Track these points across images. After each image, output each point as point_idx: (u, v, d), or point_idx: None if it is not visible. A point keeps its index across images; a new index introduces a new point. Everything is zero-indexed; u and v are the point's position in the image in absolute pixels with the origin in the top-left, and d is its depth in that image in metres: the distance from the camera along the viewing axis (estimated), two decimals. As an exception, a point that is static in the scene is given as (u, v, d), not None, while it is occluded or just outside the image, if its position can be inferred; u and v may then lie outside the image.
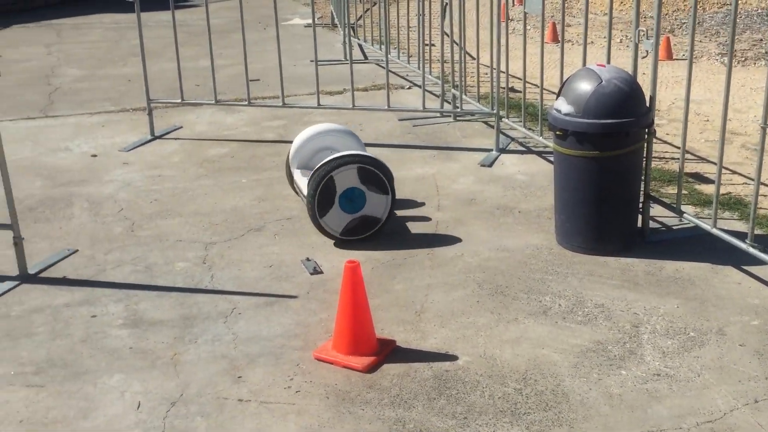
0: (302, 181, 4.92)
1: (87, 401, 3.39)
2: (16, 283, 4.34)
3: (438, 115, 7.07)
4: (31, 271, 4.45)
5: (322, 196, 4.61)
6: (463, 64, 6.74)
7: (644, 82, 4.94)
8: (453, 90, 6.95)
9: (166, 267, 4.54)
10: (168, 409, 3.33)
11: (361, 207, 4.67)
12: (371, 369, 3.57)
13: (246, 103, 6.81)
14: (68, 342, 3.81)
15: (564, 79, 4.83)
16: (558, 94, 4.56)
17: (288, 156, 5.22)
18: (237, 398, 3.40)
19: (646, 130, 4.53)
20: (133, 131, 6.86)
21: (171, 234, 4.95)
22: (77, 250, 4.74)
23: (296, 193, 5.25)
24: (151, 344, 3.79)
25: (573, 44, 9.77)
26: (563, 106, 4.43)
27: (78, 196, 5.53)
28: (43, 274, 4.46)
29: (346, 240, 4.72)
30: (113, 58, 9.68)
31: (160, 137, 6.71)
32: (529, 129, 6.07)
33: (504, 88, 6.30)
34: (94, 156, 6.30)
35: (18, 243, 4.36)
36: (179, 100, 6.77)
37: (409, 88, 8.01)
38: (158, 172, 5.96)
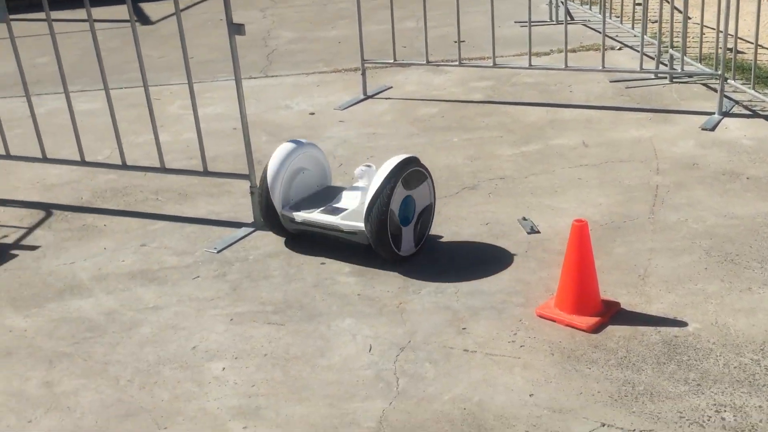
0: (326, 218, 4.24)
1: (323, 341, 3.61)
2: (252, 230, 4.67)
3: (653, 76, 6.80)
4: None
5: (391, 231, 4.06)
6: (685, 23, 6.42)
7: None
8: (671, 50, 6.65)
9: (386, 221, 4.71)
10: (397, 353, 3.49)
11: (413, 208, 4.22)
12: (596, 329, 3.55)
13: (456, 63, 6.86)
14: (302, 285, 4.06)
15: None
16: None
17: (265, 202, 4.37)
18: (462, 348, 3.50)
19: None
20: (346, 91, 7.10)
21: (388, 189, 5.12)
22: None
23: (289, 233, 4.46)
24: (377, 292, 3.97)
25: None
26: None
27: (300, 152, 5.83)
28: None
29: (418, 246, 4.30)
30: (322, 21, 10.03)
31: (371, 97, 6.91)
32: (760, 92, 5.71)
33: (730, 48, 5.95)
34: (312, 114, 6.60)
35: (254, 192, 4.67)
36: (391, 61, 6.93)
37: (619, 48, 7.75)
38: (372, 130, 6.15)
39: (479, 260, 4.20)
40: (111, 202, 5.14)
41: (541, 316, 3.67)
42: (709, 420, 2.96)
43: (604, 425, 2.98)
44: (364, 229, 4.08)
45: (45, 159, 5.11)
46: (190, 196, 5.18)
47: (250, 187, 4.68)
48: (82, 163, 5.06)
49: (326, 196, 4.49)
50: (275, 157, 4.38)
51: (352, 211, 4.27)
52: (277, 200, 4.32)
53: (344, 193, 4.46)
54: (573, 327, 3.57)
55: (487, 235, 4.47)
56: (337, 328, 3.69)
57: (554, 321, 3.63)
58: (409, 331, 3.64)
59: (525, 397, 3.16)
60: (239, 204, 5.01)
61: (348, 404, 3.20)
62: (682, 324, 3.53)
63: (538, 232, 4.46)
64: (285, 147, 4.42)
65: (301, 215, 4.30)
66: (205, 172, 4.82)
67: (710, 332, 3.46)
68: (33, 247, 4.58)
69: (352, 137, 6.04)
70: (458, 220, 4.65)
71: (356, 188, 4.44)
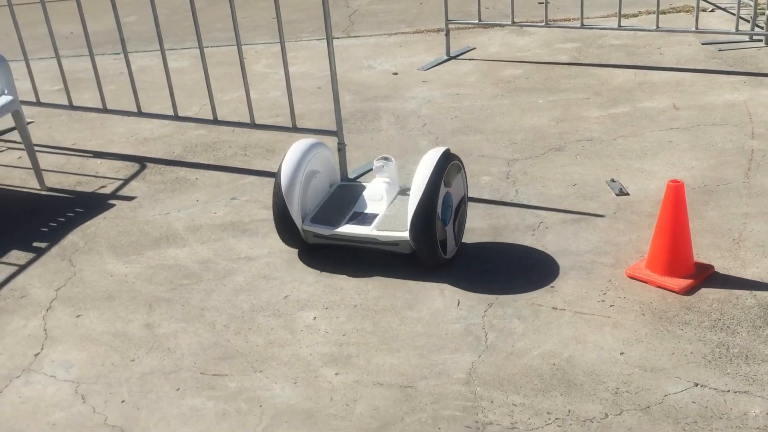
0: (359, 230, 3.81)
1: (411, 295, 3.66)
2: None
3: (747, 39, 6.58)
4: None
5: (438, 237, 3.71)
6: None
7: None
8: (768, 12, 6.42)
9: (472, 180, 4.70)
10: (485, 309, 3.51)
11: (451, 204, 3.85)
12: (688, 291, 3.51)
13: (542, 24, 6.76)
14: (389, 241, 4.11)
15: None
16: None
17: (280, 214, 3.86)
18: (551, 306, 3.50)
19: None
20: (429, 51, 7.08)
21: (474, 149, 5.11)
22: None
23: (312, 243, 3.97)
24: (463, 249, 3.99)
25: None
26: None
27: (384, 111, 5.86)
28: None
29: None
30: (403, -18, 9.98)
31: (454, 57, 6.87)
32: None
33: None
34: (395, 74, 6.60)
35: (341, 149, 4.73)
36: (476, 21, 6.87)
37: (712, 10, 7.51)
38: (456, 91, 6.13)
39: (566, 220, 4.18)
40: (201, 157, 5.27)
41: (631, 277, 3.64)
42: (807, 384, 2.91)
43: (697, 385, 2.96)
44: (406, 238, 3.69)
45: (140, 113, 5.26)
46: (278, 152, 5.26)
47: (338, 143, 4.74)
48: (176, 117, 5.19)
49: (344, 198, 4.05)
50: (289, 162, 3.85)
51: (384, 217, 3.86)
52: (295, 214, 3.82)
53: (365, 194, 4.02)
54: (665, 288, 3.54)
55: (575, 196, 4.43)
56: (425, 283, 3.73)
57: (645, 282, 3.60)
58: (497, 288, 3.66)
59: (615, 355, 3.16)
60: (325, 161, 5.08)
61: (437, 356, 3.25)
62: (778, 289, 3.47)
63: (627, 194, 4.40)
64: (297, 150, 3.91)
65: (328, 230, 3.82)
66: (294, 128, 4.89)
67: (809, 298, 3.39)
68: (129, 198, 4.75)
69: (436, 97, 6.03)
70: (544, 181, 4.62)
71: (377, 186, 4.03)
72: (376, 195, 3.99)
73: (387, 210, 3.91)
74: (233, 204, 4.61)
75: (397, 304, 3.60)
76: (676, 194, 3.52)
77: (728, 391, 2.92)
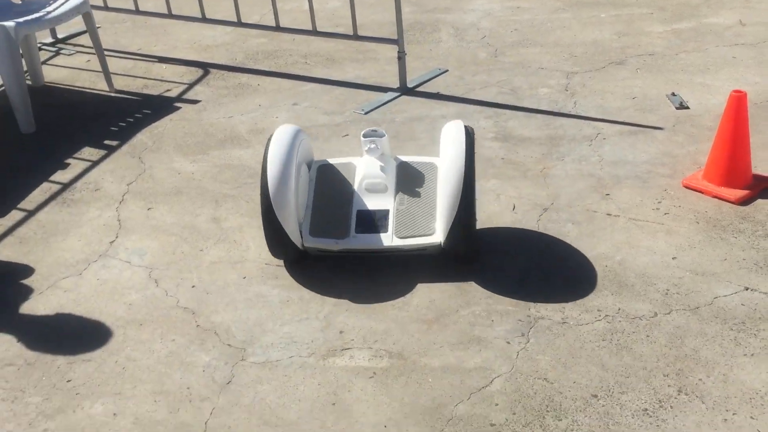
0: (376, 240, 3.15)
1: (468, 198, 3.75)
2: (398, 94, 4.79)
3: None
4: (410, 85, 4.88)
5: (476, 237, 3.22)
6: None
7: None
8: None
9: (530, 91, 4.73)
10: (540, 213, 3.59)
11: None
12: (744, 202, 3.54)
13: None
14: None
15: None
16: None
17: (271, 227, 3.14)
18: (605, 212, 3.56)
19: None
20: (490, -36, 6.99)
21: (533, 62, 5.11)
22: (447, 70, 5.08)
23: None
24: (521, 157, 4.05)
25: None
26: None
27: (443, 23, 5.85)
28: (419, 89, 4.87)
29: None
30: None
31: (516, -29, 6.77)
32: None
33: None
34: (455, -14, 6.55)
35: (401, 57, 4.77)
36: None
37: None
38: (517, 4, 6.07)
39: (624, 131, 4.20)
40: (263, 64, 5.36)
41: (687, 187, 3.68)
42: None
43: (747, 289, 3.03)
44: (437, 243, 3.12)
45: (204, 19, 5.35)
46: (337, 61, 5.33)
47: (398, 52, 4.78)
48: (239, 24, 5.27)
49: (335, 189, 3.28)
50: (275, 162, 3.06)
51: (400, 216, 3.16)
52: (291, 227, 3.09)
53: (360, 182, 3.25)
54: (720, 198, 3.57)
55: (634, 108, 4.43)
56: (481, 187, 3.80)
57: (701, 192, 3.63)
58: (552, 193, 3.73)
59: (667, 260, 3.23)
60: (384, 70, 5.13)
61: (491, 256, 3.35)
62: (836, 201, 3.47)
63: (688, 107, 4.39)
64: (281, 146, 3.11)
65: (334, 244, 3.14)
66: (355, 36, 4.93)
67: None
68: (194, 101, 4.88)
69: (496, 10, 5.99)
70: (603, 94, 4.62)
71: (372, 170, 3.26)
72: (376, 185, 3.23)
73: (397, 203, 3.20)
74: (294, 109, 4.71)
75: (454, 206, 3.70)
76: (738, 104, 3.51)
77: (778, 295, 2.98)
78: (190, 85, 5.10)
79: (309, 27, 5.08)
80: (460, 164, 3.05)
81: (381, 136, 3.28)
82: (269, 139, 3.19)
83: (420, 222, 3.16)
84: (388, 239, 3.12)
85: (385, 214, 3.18)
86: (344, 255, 3.24)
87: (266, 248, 3.38)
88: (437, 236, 3.12)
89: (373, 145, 3.28)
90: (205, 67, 5.35)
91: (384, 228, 3.14)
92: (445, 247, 3.12)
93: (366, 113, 4.60)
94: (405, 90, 4.82)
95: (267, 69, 5.28)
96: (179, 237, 3.60)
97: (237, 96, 4.92)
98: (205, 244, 3.54)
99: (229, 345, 2.94)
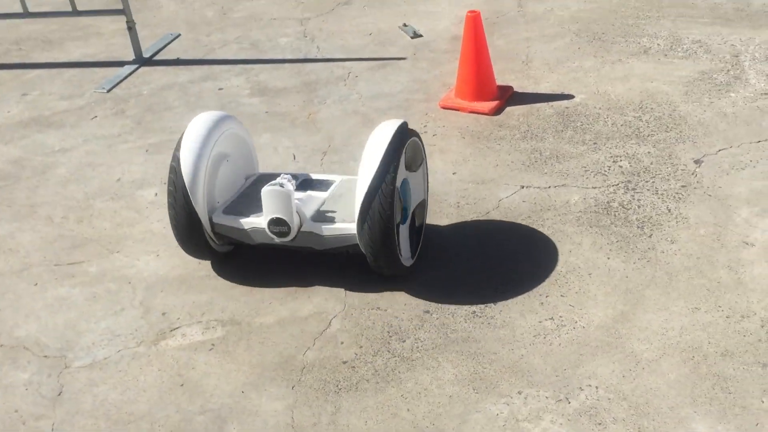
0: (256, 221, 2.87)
1: (245, 157, 3.72)
2: (136, 66, 4.57)
3: None
4: (146, 55, 4.67)
5: (394, 237, 2.77)
6: None
7: None
8: None
9: (270, 43, 4.75)
10: (321, 157, 3.67)
11: (409, 199, 2.99)
12: (496, 112, 3.88)
13: None
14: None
15: None
16: None
17: (183, 212, 2.85)
18: (380, 144, 3.72)
19: None
20: None
21: (263, 13, 5.11)
22: (179, 34, 4.93)
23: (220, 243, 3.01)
24: (284, 108, 4.08)
25: None
26: None
27: (158, -13, 5.63)
28: (156, 57, 4.68)
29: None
30: None
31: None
32: None
33: None
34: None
35: (132, 27, 4.54)
36: None
37: None
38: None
39: (372, 66, 4.37)
40: (-31, 58, 4.83)
41: (444, 107, 3.94)
42: (609, 169, 3.39)
43: (523, 187, 3.35)
44: (353, 232, 2.79)
45: None
46: (56, 42, 4.94)
47: (127, 22, 4.54)
48: (-68, 16, 4.68)
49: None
50: (190, 139, 2.87)
51: (327, 206, 2.94)
52: (201, 208, 2.85)
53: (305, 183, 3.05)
54: (476, 112, 3.87)
55: (374, 44, 4.62)
56: (256, 143, 3.78)
57: (457, 110, 3.91)
58: (326, 136, 3.81)
59: (449, 176, 3.47)
60: (111, 44, 4.86)
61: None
62: (569, 97, 3.92)
63: (421, 35, 4.66)
64: (201, 124, 2.93)
65: (231, 218, 2.89)
66: (75, 12, 4.59)
67: (595, 100, 3.87)
68: None
69: (208, -32, 5.87)
70: (342, 34, 4.76)
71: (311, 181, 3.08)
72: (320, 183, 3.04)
73: (328, 197, 2.99)
74: (27, 100, 4.32)
75: (235, 167, 3.66)
76: (474, 24, 3.81)
77: (549, 187, 3.34)
78: None
79: (4, 10, 4.63)
80: (383, 141, 2.78)
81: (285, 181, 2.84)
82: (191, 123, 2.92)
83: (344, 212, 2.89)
84: (310, 226, 2.83)
85: (330, 212, 2.90)
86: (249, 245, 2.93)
87: (51, 249, 3.13)
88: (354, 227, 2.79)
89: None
90: None
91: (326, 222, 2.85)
92: (358, 237, 2.78)
93: (108, 91, 4.35)
94: (142, 61, 4.61)
95: (-24, 62, 4.77)
96: (-58, 259, 3.20)
97: (-48, 97, 4.40)
98: (-23, 260, 3.19)
99: (45, 356, 2.71)
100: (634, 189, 3.24)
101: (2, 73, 4.63)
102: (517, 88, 4.04)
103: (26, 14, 4.64)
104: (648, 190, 3.22)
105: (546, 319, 2.68)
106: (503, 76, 4.14)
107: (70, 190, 3.56)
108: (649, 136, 3.57)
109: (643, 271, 2.83)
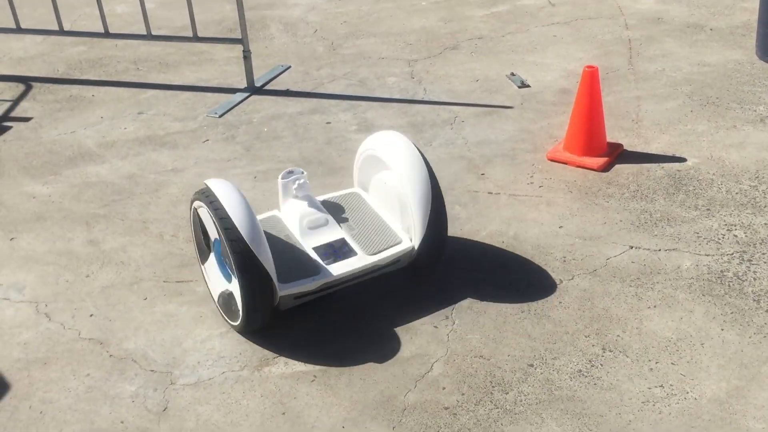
0: (352, 264, 2.93)
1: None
2: (247, 94, 4.69)
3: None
4: (257, 84, 4.78)
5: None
6: None
7: None
8: None
9: (377, 81, 4.82)
10: (426, 199, 3.68)
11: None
12: (605, 168, 3.84)
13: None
14: (314, 144, 4.16)
15: None
16: None
17: (257, 283, 2.72)
18: (486, 191, 3.72)
19: None
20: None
21: (372, 52, 5.19)
22: (290, 66, 5.04)
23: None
24: (390, 146, 4.11)
25: None
26: None
27: (270, 19, 5.78)
28: (267, 87, 4.79)
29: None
30: None
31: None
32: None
33: None
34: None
35: (247, 57, 4.66)
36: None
37: None
38: (338, -3, 6.14)
39: (479, 113, 4.39)
40: (90, 73, 5.02)
41: (552, 160, 3.92)
42: (723, 237, 3.31)
43: (632, 248, 3.29)
44: (408, 248, 2.99)
45: (19, 30, 4.91)
46: (172, 65, 5.11)
47: (243, 51, 4.67)
48: (61, 32, 4.89)
49: (278, 240, 3.01)
50: (238, 209, 2.73)
51: (359, 238, 3.03)
52: (272, 270, 2.72)
53: (305, 223, 3.04)
54: (584, 167, 3.84)
55: (481, 90, 4.64)
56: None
57: (565, 163, 3.89)
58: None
59: (555, 229, 3.43)
60: (225, 71, 5.00)
61: (392, 245, 3.39)
62: (681, 160, 3.86)
63: (529, 86, 4.67)
64: (231, 187, 2.85)
65: (314, 280, 2.84)
66: (196, 38, 4.75)
67: (708, 165, 3.80)
68: (25, 119, 4.48)
69: (319, 3, 6.01)
70: (449, 78, 4.80)
71: (302, 210, 3.07)
72: (318, 220, 3.06)
73: (346, 230, 3.07)
74: (142, 119, 4.47)
75: (340, 201, 3.69)
76: (592, 78, 3.79)
77: (659, 250, 3.27)
78: (15, 102, 4.68)
79: (127, 31, 4.82)
80: (422, 168, 2.99)
81: (301, 173, 3.12)
82: (205, 193, 2.85)
83: (380, 238, 3.03)
84: (363, 259, 2.92)
85: (342, 241, 2.99)
86: (320, 294, 2.91)
87: (160, 265, 3.20)
88: (407, 243, 3.01)
89: (301, 181, 3.09)
90: (26, 81, 4.93)
91: (351, 252, 2.95)
92: (419, 250, 2.98)
93: (220, 116, 4.46)
94: (254, 89, 4.73)
95: (97, 78, 4.96)
96: (57, 265, 3.31)
97: (73, 109, 4.58)
98: (90, 269, 3.28)
99: (152, 371, 2.76)
100: (749, 260, 3.15)
101: (121, 91, 4.80)
102: (627, 147, 4.00)
103: (149, 36, 4.82)
104: (765, 262, 3.13)
105: (655, 386, 2.61)
106: (613, 133, 4.10)
107: (181, 210, 3.65)
108: (766, 207, 3.48)
109: (759, 346, 2.74)
